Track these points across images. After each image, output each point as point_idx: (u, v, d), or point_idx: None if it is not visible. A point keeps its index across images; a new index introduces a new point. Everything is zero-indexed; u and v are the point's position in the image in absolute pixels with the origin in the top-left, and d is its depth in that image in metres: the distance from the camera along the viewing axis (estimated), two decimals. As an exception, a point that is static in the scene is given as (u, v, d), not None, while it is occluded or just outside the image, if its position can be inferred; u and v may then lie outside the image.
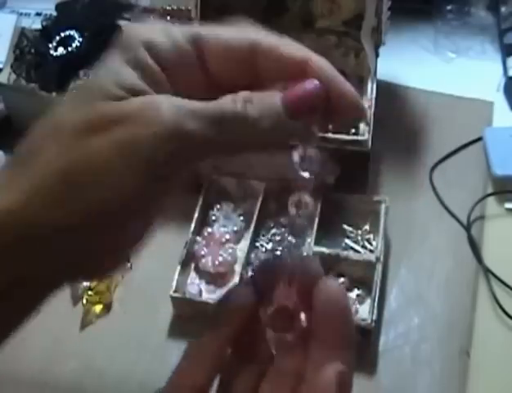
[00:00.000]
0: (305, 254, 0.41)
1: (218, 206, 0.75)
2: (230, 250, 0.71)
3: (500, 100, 0.88)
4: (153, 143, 0.32)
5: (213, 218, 0.74)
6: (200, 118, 0.33)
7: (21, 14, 1.00)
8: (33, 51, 0.80)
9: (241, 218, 0.74)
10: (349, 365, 0.35)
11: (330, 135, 0.72)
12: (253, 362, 0.39)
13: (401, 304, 0.69)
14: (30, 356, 0.67)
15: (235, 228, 0.74)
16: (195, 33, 0.36)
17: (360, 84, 0.81)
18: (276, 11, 0.82)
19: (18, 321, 0.34)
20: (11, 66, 0.82)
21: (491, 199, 0.77)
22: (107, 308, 0.70)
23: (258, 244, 0.72)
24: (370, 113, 0.73)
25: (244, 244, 0.72)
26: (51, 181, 0.32)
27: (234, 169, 0.74)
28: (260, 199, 0.73)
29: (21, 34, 0.83)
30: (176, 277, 0.68)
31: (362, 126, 0.74)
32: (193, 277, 0.71)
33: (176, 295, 0.67)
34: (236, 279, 0.69)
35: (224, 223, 0.74)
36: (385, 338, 0.66)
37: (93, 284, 0.69)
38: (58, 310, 0.70)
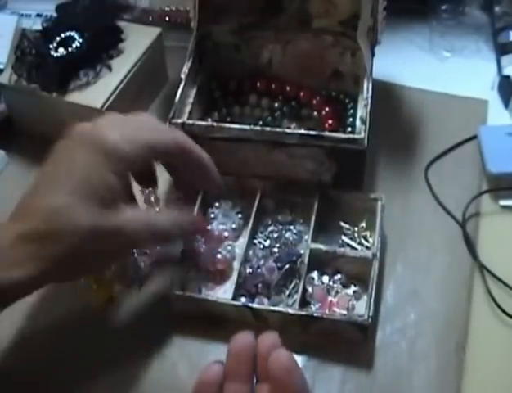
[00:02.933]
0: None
1: (217, 204, 0.76)
2: (229, 248, 0.72)
3: (494, 98, 0.88)
4: None
5: (212, 215, 0.75)
6: None
7: (22, 15, 1.01)
8: (33, 51, 0.81)
9: (239, 215, 0.75)
10: None
11: (326, 133, 0.73)
12: None
13: (397, 300, 0.69)
14: (31, 356, 0.67)
15: (234, 226, 0.74)
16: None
17: (356, 83, 0.82)
18: (273, 11, 0.82)
19: None
20: (12, 67, 0.82)
21: (485, 196, 0.78)
22: (106, 307, 0.70)
23: (256, 241, 0.73)
24: (366, 112, 0.74)
25: (242, 241, 0.73)
26: None
27: (232, 168, 0.75)
28: (258, 197, 0.74)
29: (22, 35, 0.83)
30: (175, 274, 0.68)
31: (358, 124, 0.75)
32: (192, 274, 0.72)
33: (175, 292, 0.67)
34: (235, 276, 0.69)
35: (223, 220, 0.74)
36: (382, 334, 0.67)
37: (92, 283, 0.70)
38: (59, 311, 0.70)
